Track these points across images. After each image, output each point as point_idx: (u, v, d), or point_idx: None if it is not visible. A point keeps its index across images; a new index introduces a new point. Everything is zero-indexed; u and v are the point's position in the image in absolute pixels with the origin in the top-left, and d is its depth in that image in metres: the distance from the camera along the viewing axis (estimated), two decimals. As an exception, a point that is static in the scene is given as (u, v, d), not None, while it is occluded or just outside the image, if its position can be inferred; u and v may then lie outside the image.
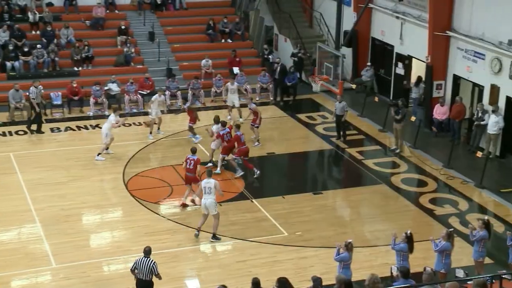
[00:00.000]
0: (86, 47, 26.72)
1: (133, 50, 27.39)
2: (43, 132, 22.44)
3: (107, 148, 20.63)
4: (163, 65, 27.40)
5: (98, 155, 20.39)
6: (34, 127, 22.54)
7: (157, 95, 22.54)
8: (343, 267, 12.94)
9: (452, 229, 14.23)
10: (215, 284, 12.30)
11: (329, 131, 22.82)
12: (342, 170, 21.28)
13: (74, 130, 23.11)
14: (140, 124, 23.34)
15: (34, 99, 22.63)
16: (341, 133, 22.19)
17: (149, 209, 17.60)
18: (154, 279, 12.81)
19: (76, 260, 15.14)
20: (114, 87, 25.12)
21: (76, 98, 24.40)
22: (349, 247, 12.98)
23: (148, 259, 12.63)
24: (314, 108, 25.60)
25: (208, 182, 15.73)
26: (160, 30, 29.13)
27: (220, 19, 29.28)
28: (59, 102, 24.55)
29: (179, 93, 25.35)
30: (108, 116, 20.76)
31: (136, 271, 12.67)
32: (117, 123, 20.56)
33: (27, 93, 23.44)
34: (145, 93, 25.20)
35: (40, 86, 23.14)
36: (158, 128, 22.48)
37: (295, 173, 20.16)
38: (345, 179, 20.57)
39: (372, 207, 18.10)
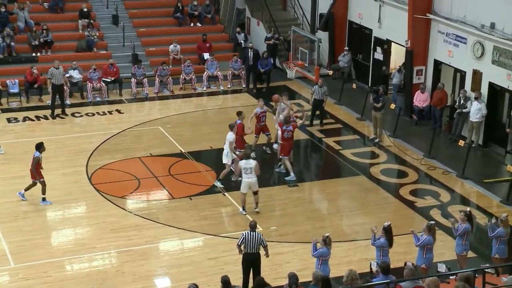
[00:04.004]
0: (45, 31, 26.38)
1: (95, 34, 27.12)
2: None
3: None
4: (128, 50, 27.21)
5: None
6: (57, 111, 22.96)
7: None
8: (321, 263, 13.06)
9: (433, 222, 14.37)
10: (186, 283, 12.30)
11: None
12: (319, 161, 21.37)
13: (32, 120, 22.86)
14: (104, 113, 23.16)
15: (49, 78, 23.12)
16: (320, 119, 22.31)
17: (114, 204, 17.53)
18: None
19: (36, 259, 15.03)
20: (75, 74, 24.85)
21: (35, 86, 24.14)
22: (327, 242, 13.08)
23: (255, 232, 13.60)
24: (289, 96, 25.51)
25: (248, 163, 16.78)
26: (125, 13, 28.88)
27: (189, 1, 29.11)
28: (16, 90, 24.25)
29: (145, 80, 25.19)
30: None
31: (243, 246, 13.58)
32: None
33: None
34: (109, 80, 25.01)
35: (60, 67, 23.23)
36: None
37: (270, 165, 20.13)
38: (322, 170, 20.68)
39: (351, 199, 18.23)
